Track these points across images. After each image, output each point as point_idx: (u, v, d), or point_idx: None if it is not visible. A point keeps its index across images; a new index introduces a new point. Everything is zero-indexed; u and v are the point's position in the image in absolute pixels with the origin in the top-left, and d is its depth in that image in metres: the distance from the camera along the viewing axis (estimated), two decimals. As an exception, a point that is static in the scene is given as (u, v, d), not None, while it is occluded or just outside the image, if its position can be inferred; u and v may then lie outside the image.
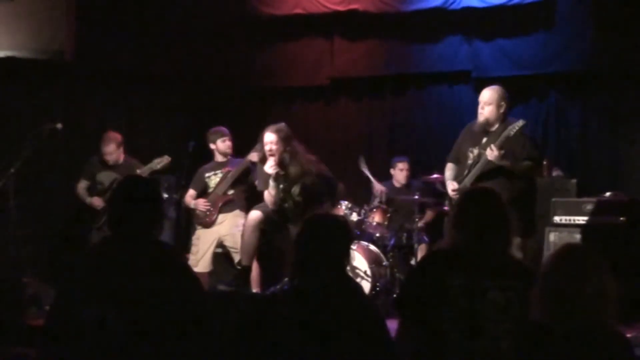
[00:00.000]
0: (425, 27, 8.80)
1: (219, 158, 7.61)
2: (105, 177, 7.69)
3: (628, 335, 3.17)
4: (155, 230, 3.38)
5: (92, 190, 7.77)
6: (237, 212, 7.43)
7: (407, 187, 8.33)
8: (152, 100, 9.23)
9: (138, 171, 7.36)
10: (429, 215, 8.18)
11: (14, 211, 7.15)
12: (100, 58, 8.85)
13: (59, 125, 7.36)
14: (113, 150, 7.62)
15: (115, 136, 7.69)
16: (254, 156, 7.03)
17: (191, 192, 7.60)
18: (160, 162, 7.44)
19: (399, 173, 8.41)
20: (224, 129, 7.64)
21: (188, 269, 3.48)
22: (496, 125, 6.15)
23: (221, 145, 7.54)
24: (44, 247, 8.19)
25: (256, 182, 6.98)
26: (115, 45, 8.94)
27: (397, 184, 8.43)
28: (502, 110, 6.14)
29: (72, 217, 8.21)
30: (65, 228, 8.42)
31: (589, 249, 2.97)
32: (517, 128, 5.93)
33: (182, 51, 9.26)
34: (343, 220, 3.46)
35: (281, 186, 6.61)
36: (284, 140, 6.56)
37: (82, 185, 7.82)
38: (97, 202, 7.64)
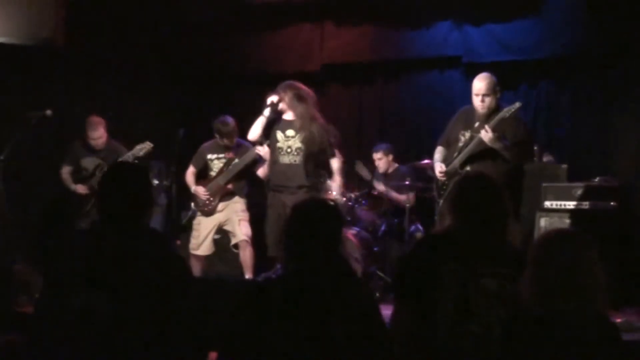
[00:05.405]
0: (415, 12, 8.79)
1: (221, 142, 7.41)
2: (89, 163, 7.63)
3: (618, 320, 3.18)
4: (144, 216, 3.37)
5: (76, 176, 7.69)
6: (237, 198, 7.41)
7: (390, 175, 8.32)
8: (142, 87, 9.20)
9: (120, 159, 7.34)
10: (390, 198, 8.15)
11: (3, 198, 7.13)
12: (91, 44, 8.81)
13: (49, 112, 7.31)
14: (102, 134, 7.56)
15: (101, 120, 7.62)
16: (261, 150, 6.98)
17: (191, 170, 7.50)
18: (142, 149, 7.37)
19: (376, 163, 8.40)
20: (231, 125, 7.29)
21: (177, 255, 3.47)
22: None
23: (226, 141, 7.32)
24: (33, 234, 8.15)
25: (258, 172, 7.16)
26: (105, 31, 8.91)
27: (380, 172, 8.42)
28: (498, 96, 6.13)
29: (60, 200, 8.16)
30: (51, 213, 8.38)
31: (578, 234, 2.98)
32: (513, 110, 5.92)
33: (172, 38, 9.23)
34: (333, 204, 3.44)
35: (287, 132, 6.74)
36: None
37: (66, 171, 7.72)
38: (82, 189, 7.57)
